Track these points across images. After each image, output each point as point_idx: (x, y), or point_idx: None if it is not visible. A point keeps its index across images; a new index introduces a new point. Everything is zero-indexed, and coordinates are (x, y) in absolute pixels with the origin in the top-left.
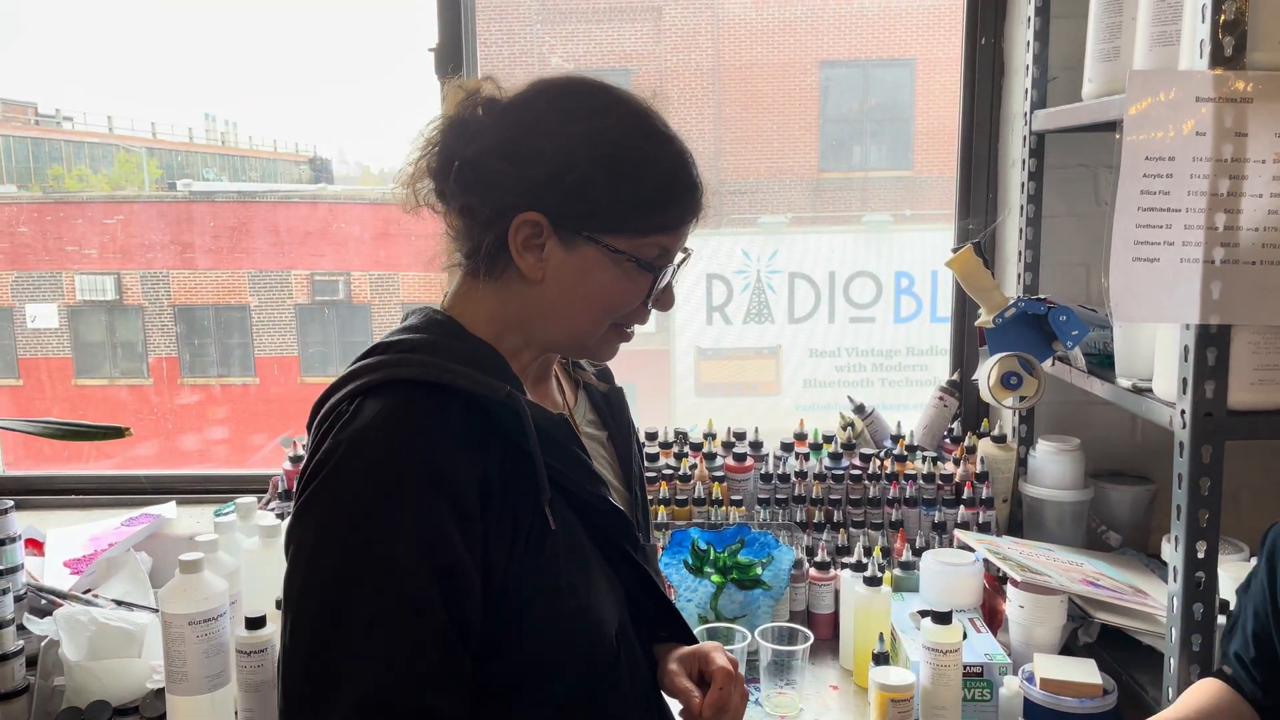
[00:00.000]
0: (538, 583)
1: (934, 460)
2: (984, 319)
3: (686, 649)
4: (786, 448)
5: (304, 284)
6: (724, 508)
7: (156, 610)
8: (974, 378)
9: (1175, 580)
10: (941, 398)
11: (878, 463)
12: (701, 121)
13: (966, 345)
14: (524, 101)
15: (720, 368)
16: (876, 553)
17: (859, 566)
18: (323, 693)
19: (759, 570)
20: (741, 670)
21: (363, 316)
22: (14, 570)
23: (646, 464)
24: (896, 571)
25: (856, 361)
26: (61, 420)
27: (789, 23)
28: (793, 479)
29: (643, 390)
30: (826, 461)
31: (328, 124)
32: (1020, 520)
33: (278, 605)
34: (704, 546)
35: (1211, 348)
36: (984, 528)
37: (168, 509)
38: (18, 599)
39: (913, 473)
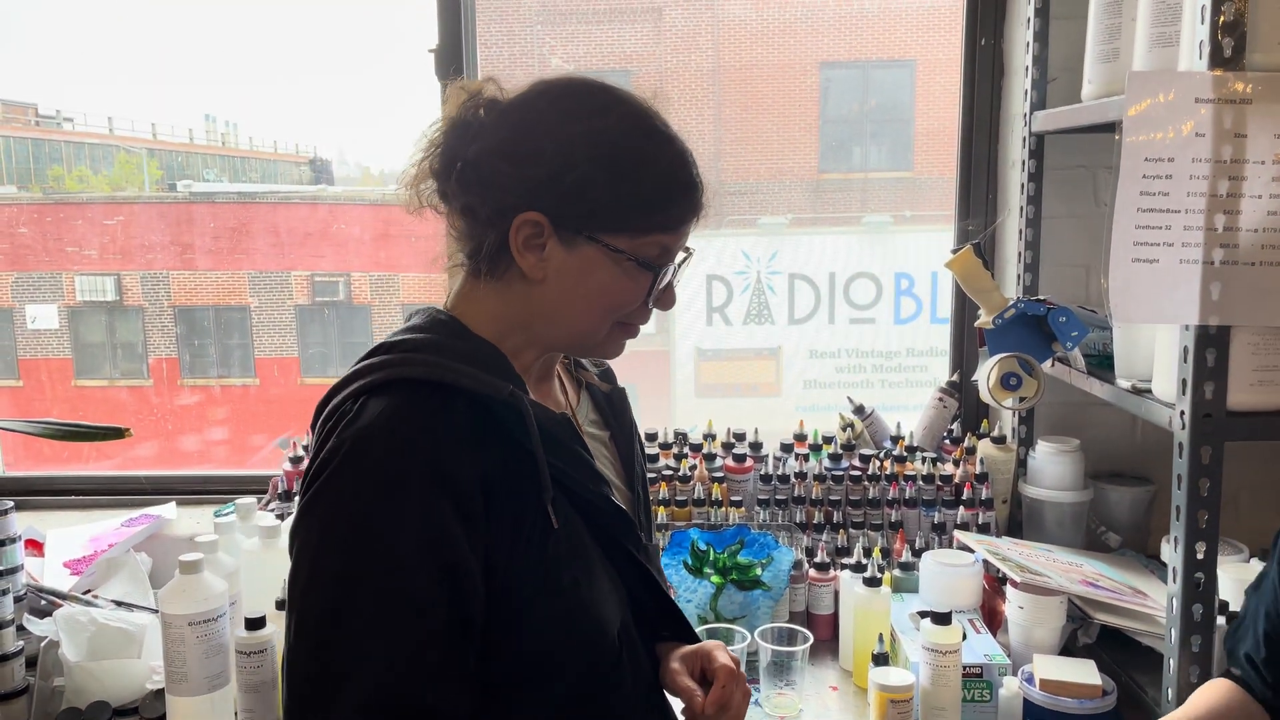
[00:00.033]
0: (540, 581)
1: (934, 461)
2: (983, 320)
3: (689, 648)
4: (786, 449)
5: (304, 285)
6: (724, 508)
7: (156, 611)
8: (974, 379)
9: (1174, 581)
10: (941, 399)
11: (877, 464)
12: (701, 123)
13: (966, 346)
14: (525, 102)
15: (720, 369)
16: (876, 553)
17: (858, 567)
18: (327, 691)
19: (758, 571)
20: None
21: (363, 317)
22: (14, 571)
23: (646, 464)
24: (896, 572)
25: (856, 362)
26: (61, 421)
27: (789, 24)
28: (792, 480)
29: (643, 391)
30: (826, 462)
31: (328, 125)
32: (1020, 521)
33: (278, 606)
34: (703, 547)
35: (1211, 349)
36: (983, 528)
37: (168, 510)
38: (17, 599)
39: (912, 474)
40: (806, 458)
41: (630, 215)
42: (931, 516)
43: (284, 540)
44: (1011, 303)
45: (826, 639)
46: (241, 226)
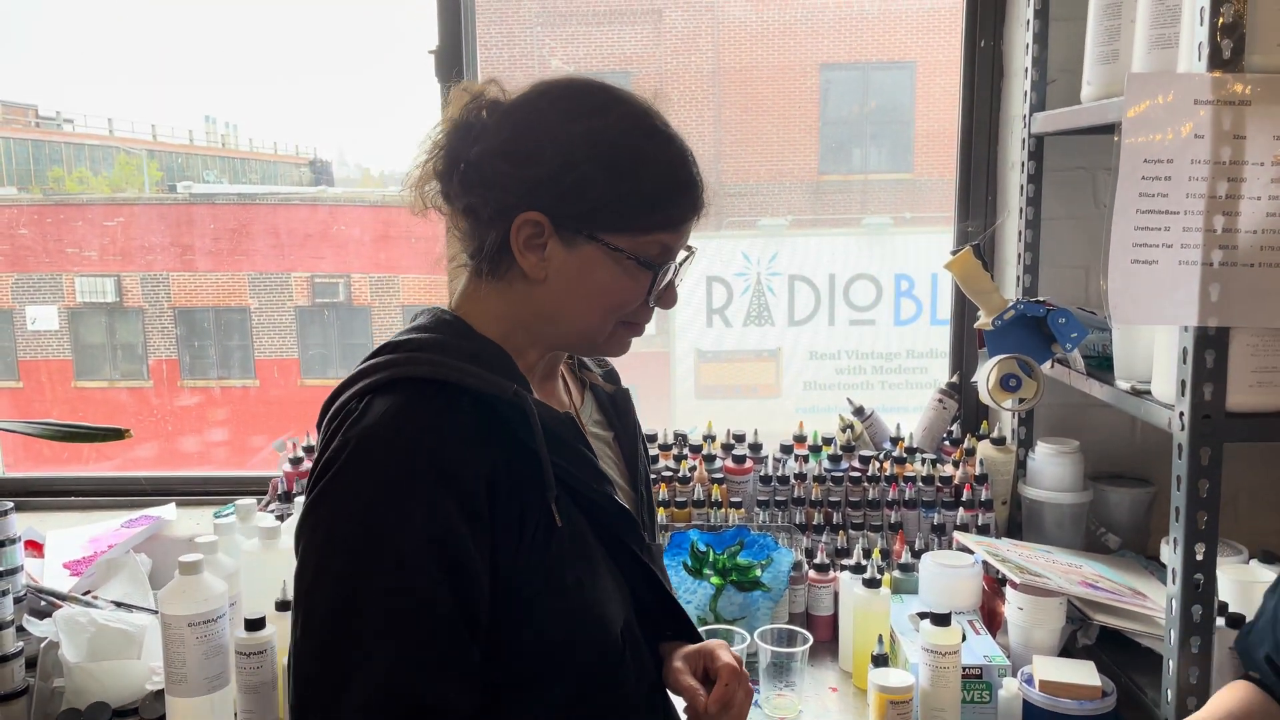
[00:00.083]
0: (544, 579)
1: (933, 462)
2: (983, 321)
3: (692, 647)
4: (786, 450)
5: (304, 286)
6: (723, 510)
7: (156, 612)
8: (973, 380)
9: (1174, 582)
10: (941, 400)
11: (877, 465)
12: (701, 124)
13: (966, 347)
14: (525, 103)
15: (720, 370)
16: (876, 555)
17: (858, 568)
18: (332, 689)
19: (758, 572)
20: None
21: (363, 319)
22: (14, 572)
23: (650, 465)
24: (896, 573)
25: (856, 364)
26: (61, 422)
27: (789, 25)
28: (792, 481)
29: (643, 392)
30: (826, 464)
31: (328, 126)
32: (1019, 522)
33: (277, 607)
34: (703, 548)
35: (1210, 350)
36: (983, 530)
37: (167, 511)
38: (17, 600)
39: (912, 475)
40: (806, 459)
41: (630, 214)
42: (931, 518)
43: (284, 541)
44: (1011, 304)
45: (826, 640)
46: (241, 228)
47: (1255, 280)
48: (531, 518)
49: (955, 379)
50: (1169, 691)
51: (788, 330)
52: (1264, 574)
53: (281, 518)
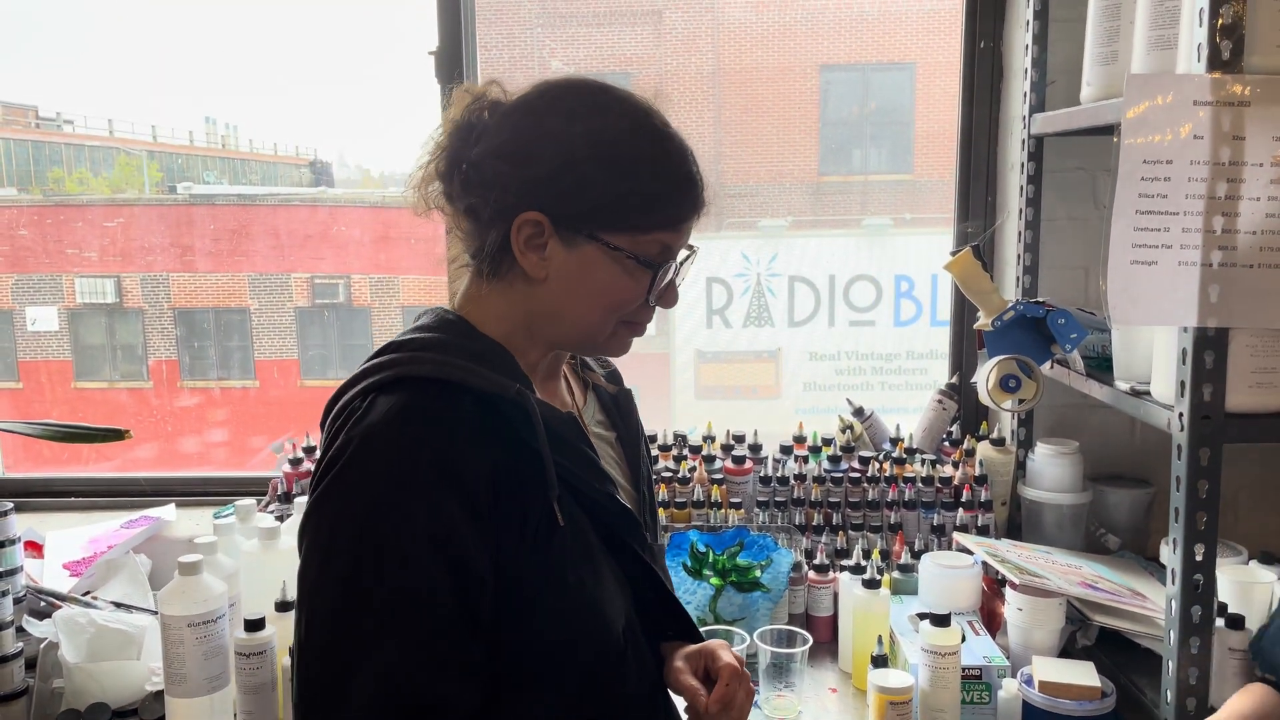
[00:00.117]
0: (546, 578)
1: (933, 463)
2: (983, 322)
3: (693, 647)
4: (785, 450)
5: (304, 287)
6: (723, 510)
7: (156, 612)
8: (973, 381)
9: (1174, 583)
10: (940, 400)
11: (877, 465)
12: (701, 125)
13: (965, 348)
14: (525, 103)
15: (720, 371)
16: (875, 555)
17: (858, 569)
18: (336, 686)
19: (758, 573)
20: None
21: (363, 319)
22: (13, 572)
23: (652, 466)
24: (895, 574)
25: (856, 365)
26: (61, 423)
27: (789, 26)
28: (792, 482)
29: (643, 393)
30: (825, 464)
31: (328, 127)
32: (1019, 523)
33: (277, 607)
34: (703, 549)
35: (1209, 350)
36: (983, 530)
37: (167, 511)
38: (17, 601)
39: (911, 475)
40: (806, 460)
41: (630, 214)
42: (930, 518)
43: (283, 542)
44: (1010, 305)
45: (826, 641)
46: (241, 229)
47: (1255, 281)
48: (534, 517)
49: (955, 380)
50: (1168, 692)
51: (788, 331)
52: (1263, 574)
53: (281, 518)
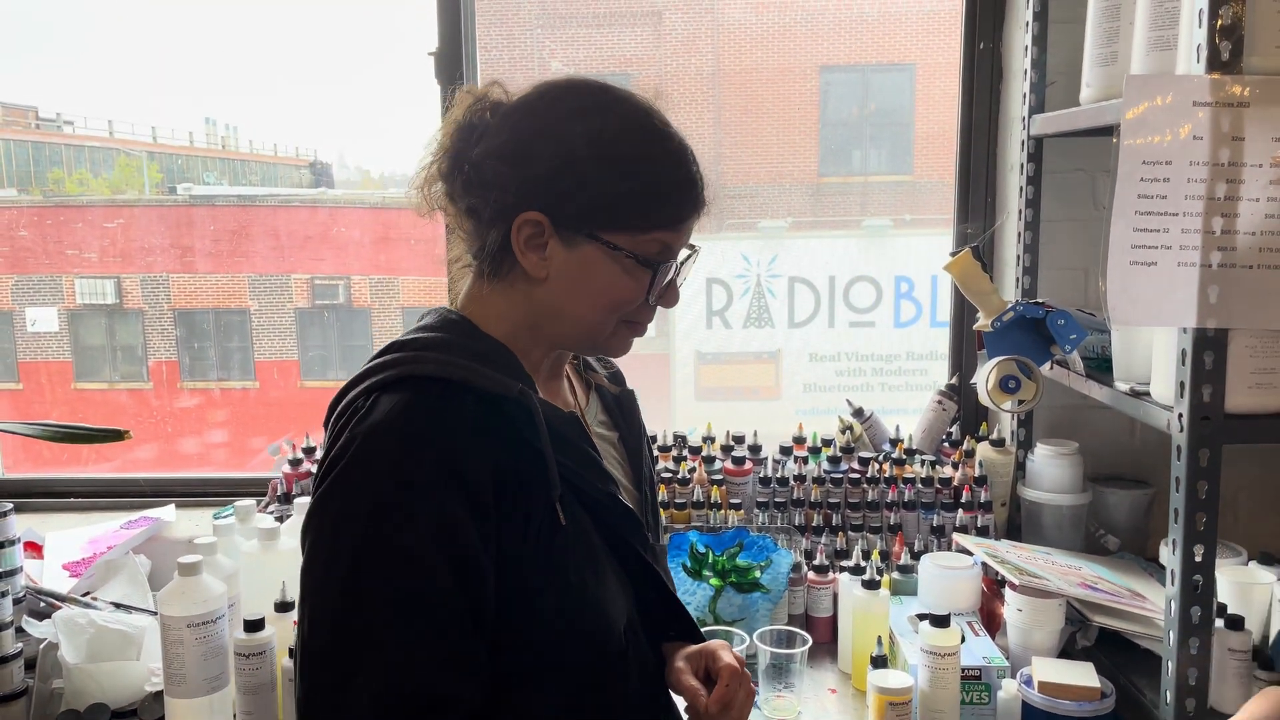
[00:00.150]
0: (548, 577)
1: (932, 464)
2: (982, 323)
3: (694, 647)
4: (785, 451)
5: (304, 288)
6: (723, 511)
7: (155, 613)
8: (973, 381)
9: (1173, 584)
10: (940, 401)
11: (876, 466)
12: (701, 126)
13: (965, 349)
14: (526, 104)
15: (720, 372)
16: (875, 556)
17: (857, 570)
18: (341, 681)
19: (757, 573)
20: None
21: (363, 320)
22: (13, 573)
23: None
24: (895, 575)
25: (856, 366)
26: (61, 423)
27: (788, 27)
28: (791, 482)
29: (643, 394)
30: (825, 465)
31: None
32: (1019, 524)
33: (276, 608)
34: (702, 550)
35: (1209, 351)
36: (982, 531)
37: (167, 512)
38: (17, 602)
39: (911, 476)
40: (805, 460)
41: (629, 213)
42: (930, 519)
43: (283, 543)
44: (1010, 305)
45: (825, 641)
46: (241, 229)
47: (1254, 282)
48: (536, 516)
49: (955, 380)
50: (1168, 693)
51: (788, 332)
52: (1263, 575)
53: (281, 519)
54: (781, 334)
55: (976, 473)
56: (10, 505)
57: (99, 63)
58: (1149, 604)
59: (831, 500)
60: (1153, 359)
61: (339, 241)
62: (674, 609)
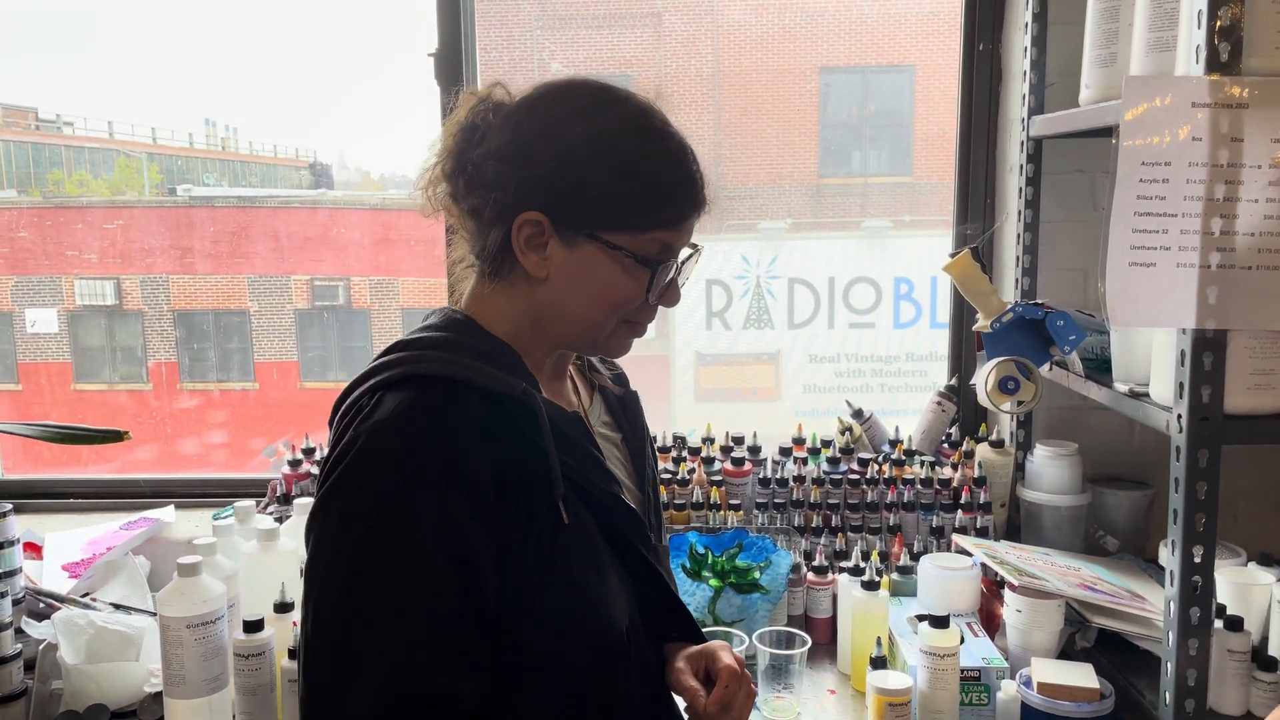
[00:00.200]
0: (550, 576)
1: (932, 465)
2: (982, 324)
3: (695, 648)
4: (785, 452)
5: (304, 289)
6: (722, 512)
7: (154, 614)
8: (972, 382)
9: (1172, 585)
10: (939, 402)
11: (876, 467)
12: (701, 127)
13: (965, 350)
14: (527, 105)
15: (720, 373)
16: (874, 557)
17: (857, 571)
18: (344, 678)
19: (757, 574)
20: None
21: (362, 321)
22: (12, 574)
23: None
24: (894, 576)
25: (856, 367)
26: (60, 424)
27: (788, 29)
28: (791, 483)
29: (642, 395)
30: (825, 466)
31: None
32: (1018, 525)
33: (276, 609)
34: (702, 550)
35: (1208, 352)
36: (982, 532)
37: (166, 513)
38: (16, 602)
39: (910, 477)
40: (805, 461)
41: (628, 213)
42: (929, 520)
43: (282, 543)
44: (1009, 307)
45: (825, 642)
46: (241, 230)
47: (1253, 283)
48: (539, 515)
49: (954, 381)
50: (1167, 694)
51: (787, 333)
52: (1262, 576)
53: (280, 520)
54: (781, 335)
55: (976, 474)
56: (10, 506)
57: (99, 64)
58: (1148, 605)
59: (831, 501)
60: (1152, 360)
61: (339, 243)
62: (676, 609)
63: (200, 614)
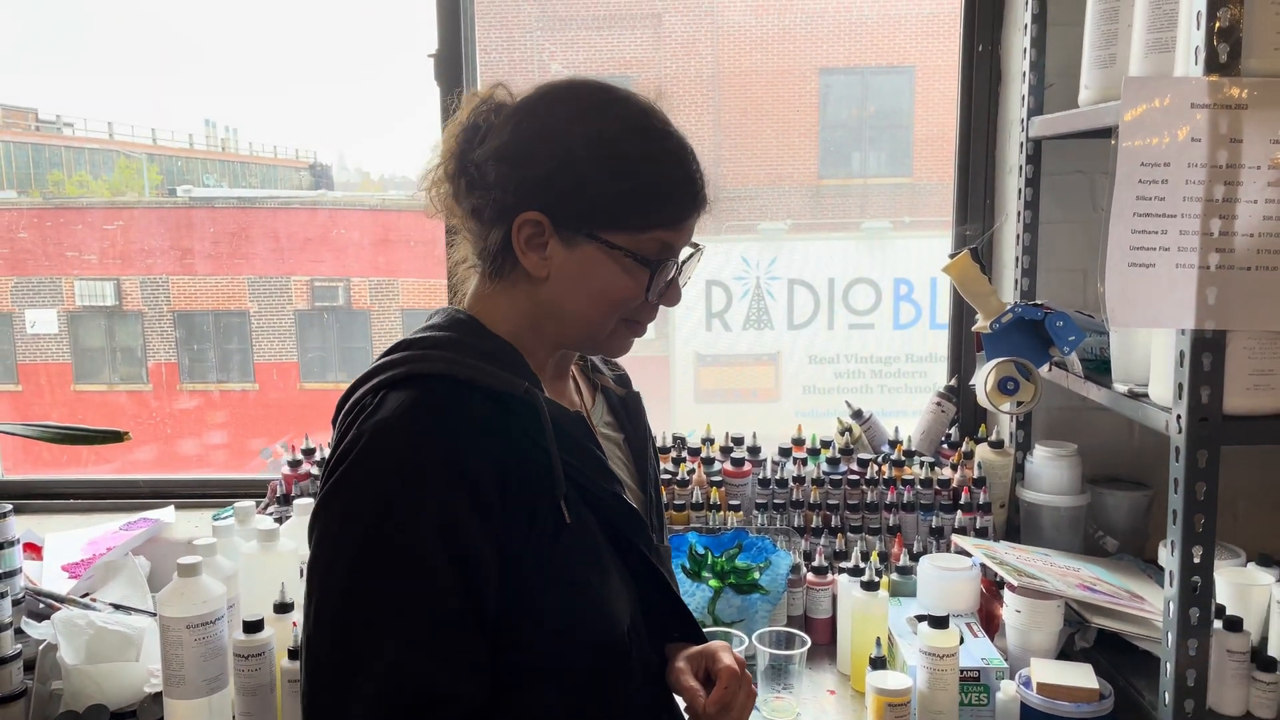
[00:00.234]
0: (552, 575)
1: (931, 465)
2: (981, 324)
3: (695, 648)
4: (784, 453)
5: (303, 290)
6: (722, 512)
7: (154, 614)
8: (971, 383)
9: (1171, 585)
10: (939, 403)
11: (875, 468)
12: (701, 128)
13: (964, 351)
14: (527, 105)
15: (719, 374)
16: (874, 557)
17: (856, 571)
18: (344, 678)
19: (756, 575)
20: None
21: (362, 322)
22: (12, 574)
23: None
24: (894, 576)
25: (855, 368)
26: (60, 424)
27: (788, 30)
28: (790, 484)
29: (642, 395)
30: (824, 467)
31: (327, 130)
32: (1017, 525)
33: (276, 609)
34: (701, 551)
35: (1207, 353)
36: (981, 533)
37: (166, 513)
38: (16, 603)
39: (910, 478)
40: (804, 462)
41: (628, 213)
42: (929, 521)
43: (282, 544)
44: (1009, 307)
45: (824, 643)
46: (241, 231)
47: (1252, 283)
48: (541, 514)
49: (954, 382)
50: (1166, 694)
51: (787, 334)
52: (1261, 577)
53: (280, 520)
54: (781, 336)
55: (975, 474)
56: (10, 506)
57: (99, 65)
58: (1147, 605)
59: (830, 502)
60: (1151, 361)
61: (338, 243)
62: (677, 610)
63: (200, 614)
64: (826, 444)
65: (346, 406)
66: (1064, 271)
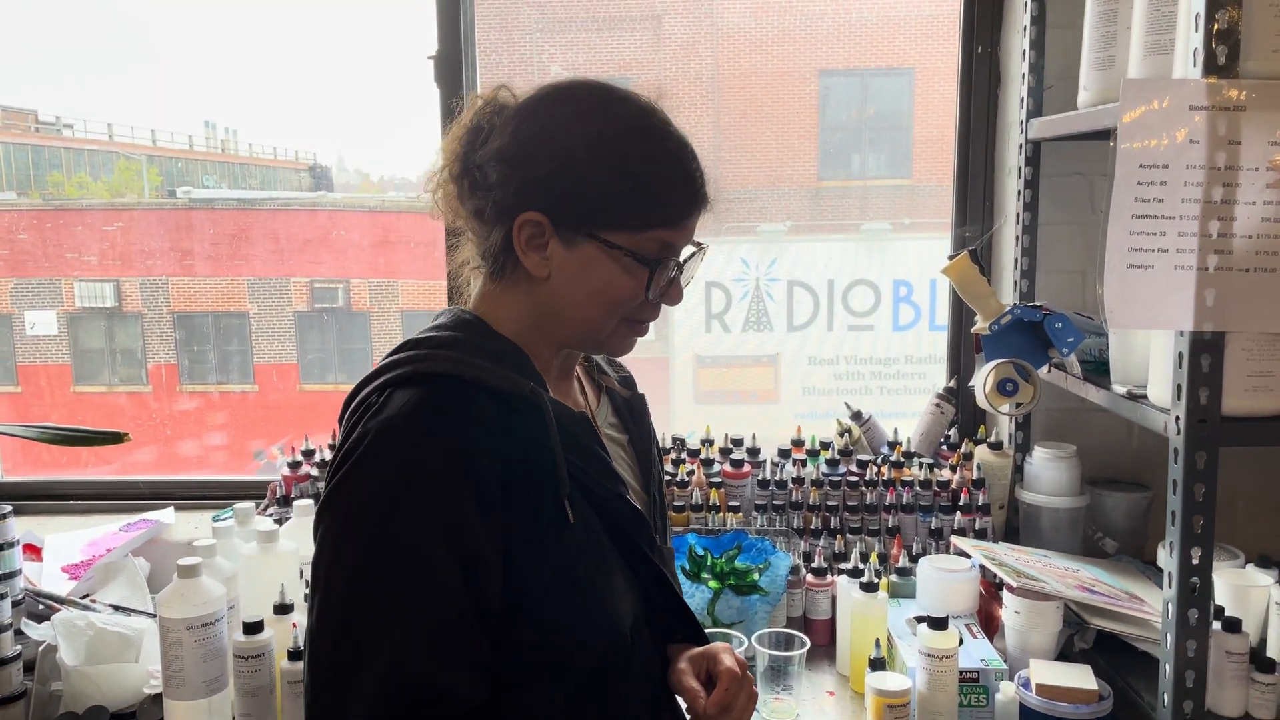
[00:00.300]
0: (555, 574)
1: (931, 467)
2: (980, 326)
3: (697, 649)
4: (784, 454)
5: (303, 291)
6: (721, 514)
7: (154, 615)
8: (971, 384)
9: (1170, 586)
10: (938, 404)
11: (875, 469)
12: (700, 130)
13: (964, 352)
14: (528, 106)
15: (719, 375)
16: (873, 559)
17: (856, 572)
18: (346, 674)
19: (756, 576)
20: None
21: (362, 323)
22: (12, 575)
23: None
24: (893, 577)
25: (855, 369)
26: (60, 426)
27: (788, 32)
28: (790, 485)
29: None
30: (823, 468)
31: (327, 131)
32: (1016, 527)
33: (276, 610)
34: (701, 552)
35: (1205, 354)
36: (980, 534)
37: (166, 514)
38: (15, 604)
39: (909, 479)
40: (804, 463)
41: (627, 212)
42: (928, 522)
43: (282, 545)
44: (1008, 309)
45: (824, 644)
46: (241, 233)
47: (1251, 285)
48: (545, 514)
49: (953, 383)
50: (1165, 695)
51: (787, 335)
52: (1260, 578)
53: (280, 521)
54: (780, 337)
55: (974, 475)
56: (9, 508)
57: (99, 66)
58: (1146, 606)
59: (830, 503)
60: (1150, 362)
61: (338, 245)
62: (680, 611)
63: (200, 615)
64: (826, 445)
65: (353, 405)
66: (1063, 273)
